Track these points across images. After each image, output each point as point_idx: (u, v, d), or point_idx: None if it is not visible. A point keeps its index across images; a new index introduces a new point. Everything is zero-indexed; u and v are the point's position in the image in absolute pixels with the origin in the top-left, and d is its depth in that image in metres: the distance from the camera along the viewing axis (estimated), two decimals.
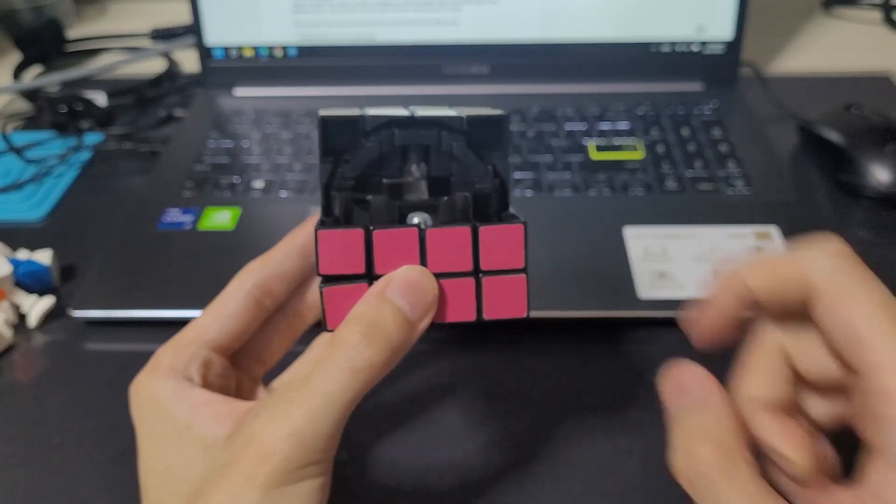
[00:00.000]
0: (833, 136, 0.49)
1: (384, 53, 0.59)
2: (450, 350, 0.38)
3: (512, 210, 0.26)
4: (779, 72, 0.63)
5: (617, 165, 0.49)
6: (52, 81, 0.62)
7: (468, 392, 0.36)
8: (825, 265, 0.23)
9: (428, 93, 0.59)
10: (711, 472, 0.22)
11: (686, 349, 0.38)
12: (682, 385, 0.24)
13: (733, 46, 0.58)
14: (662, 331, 0.38)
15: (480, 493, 0.32)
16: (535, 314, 0.39)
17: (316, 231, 0.24)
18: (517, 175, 0.48)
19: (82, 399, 0.37)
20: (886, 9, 0.71)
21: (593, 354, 0.38)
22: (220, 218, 0.46)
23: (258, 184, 0.49)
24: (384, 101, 0.57)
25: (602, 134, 0.53)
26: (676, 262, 0.41)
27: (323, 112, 0.25)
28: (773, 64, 0.64)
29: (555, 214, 0.45)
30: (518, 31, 0.58)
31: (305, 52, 0.59)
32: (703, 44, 0.58)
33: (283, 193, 0.48)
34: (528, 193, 0.47)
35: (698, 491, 0.22)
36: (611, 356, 0.38)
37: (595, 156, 0.50)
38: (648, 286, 0.39)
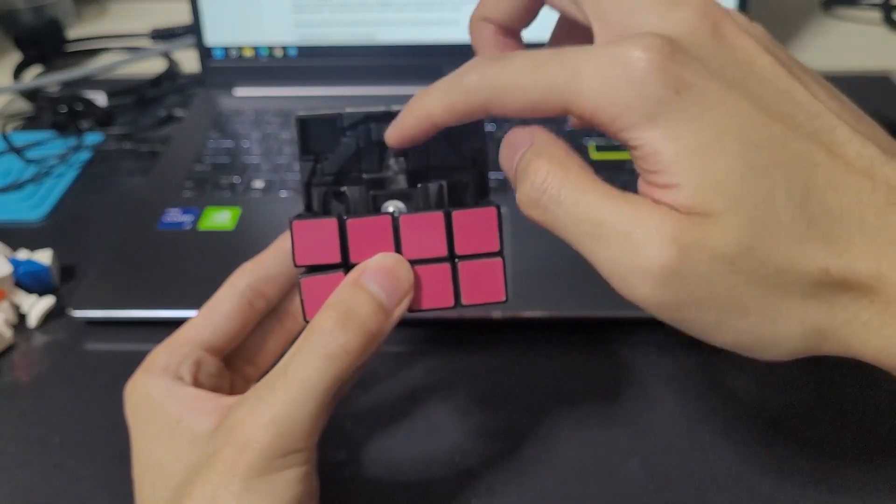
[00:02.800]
0: None
1: (384, 53, 0.59)
2: (448, 350, 0.38)
3: (492, 199, 0.26)
4: None
5: (617, 165, 0.49)
6: (52, 81, 0.62)
7: (467, 392, 0.36)
8: None
9: None
10: (552, 183, 0.22)
11: (685, 351, 0.38)
12: (515, 144, 0.24)
13: None
14: (662, 331, 0.38)
15: (480, 493, 0.32)
16: (534, 314, 0.39)
17: (290, 222, 0.24)
18: None
19: (82, 399, 0.37)
20: (886, 9, 0.71)
21: (592, 355, 0.38)
22: (220, 218, 0.46)
23: (258, 184, 0.49)
24: (384, 102, 0.57)
25: (602, 134, 0.53)
26: None
27: (300, 112, 0.26)
28: None
29: None
30: None
31: (305, 52, 0.59)
32: None
33: (283, 193, 0.48)
34: None
35: (547, 210, 0.22)
36: (610, 356, 0.38)
37: (595, 156, 0.50)
38: None
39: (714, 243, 0.20)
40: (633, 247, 0.20)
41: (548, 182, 0.22)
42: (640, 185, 0.22)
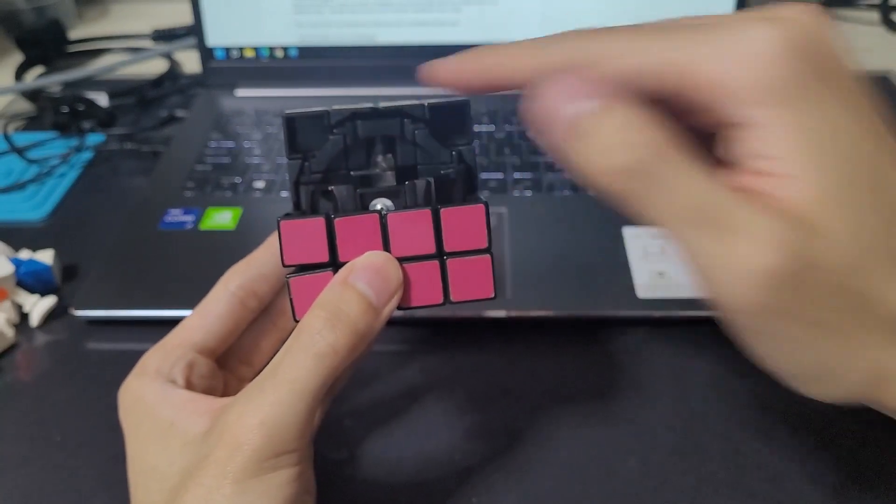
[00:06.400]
0: None
1: (384, 54, 0.59)
2: (448, 349, 0.38)
3: (480, 195, 0.27)
4: None
5: None
6: (54, 82, 0.63)
7: (467, 391, 0.36)
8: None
9: (428, 93, 0.59)
10: (646, 155, 0.19)
11: (686, 350, 0.38)
12: (567, 93, 0.20)
13: None
14: (662, 331, 0.38)
15: (479, 492, 0.32)
16: (535, 314, 0.39)
17: (278, 222, 0.24)
18: (517, 175, 0.49)
19: (83, 398, 0.37)
20: (885, 9, 0.71)
21: (592, 354, 0.38)
22: (222, 218, 0.46)
23: (259, 184, 0.49)
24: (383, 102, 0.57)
25: None
26: (675, 262, 0.41)
27: (287, 111, 0.26)
28: None
29: (555, 214, 0.45)
30: (518, 32, 0.58)
31: (306, 52, 0.59)
32: None
33: (284, 193, 0.49)
34: (528, 193, 0.47)
35: (638, 184, 0.19)
36: (610, 356, 0.38)
37: None
38: (648, 286, 0.39)
39: (826, 256, 0.18)
40: (742, 243, 0.18)
41: (640, 152, 0.19)
42: (741, 173, 0.20)
